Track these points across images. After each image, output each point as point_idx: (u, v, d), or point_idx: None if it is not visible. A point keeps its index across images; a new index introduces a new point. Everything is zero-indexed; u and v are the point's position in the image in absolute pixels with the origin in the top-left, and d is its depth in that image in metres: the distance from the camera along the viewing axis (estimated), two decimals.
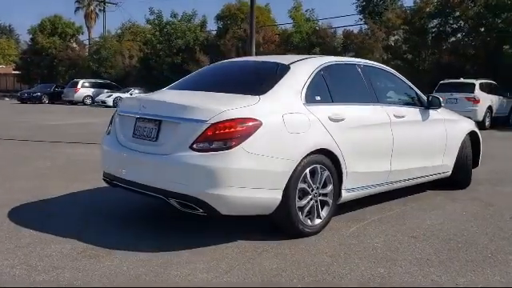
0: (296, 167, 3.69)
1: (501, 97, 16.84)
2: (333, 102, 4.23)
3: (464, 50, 19.51)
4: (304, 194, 3.83)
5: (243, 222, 4.03)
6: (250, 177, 3.49)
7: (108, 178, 4.19)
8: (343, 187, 4.17)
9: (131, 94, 30.25)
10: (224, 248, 3.62)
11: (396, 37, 23.54)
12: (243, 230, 3.99)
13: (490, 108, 15.97)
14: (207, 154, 3.42)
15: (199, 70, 5.18)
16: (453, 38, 20.83)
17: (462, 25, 20.84)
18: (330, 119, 4.05)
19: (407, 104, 5.19)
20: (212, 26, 38.77)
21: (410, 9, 23.28)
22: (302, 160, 3.73)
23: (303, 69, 4.20)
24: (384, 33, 23.45)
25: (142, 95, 4.48)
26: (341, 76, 4.56)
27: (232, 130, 3.43)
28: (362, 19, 25.97)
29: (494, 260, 3.46)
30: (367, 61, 5.16)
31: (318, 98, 4.12)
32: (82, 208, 4.77)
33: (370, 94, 4.68)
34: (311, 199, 3.89)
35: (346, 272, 3.20)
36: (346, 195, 4.23)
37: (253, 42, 9.07)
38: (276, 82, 3.98)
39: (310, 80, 4.12)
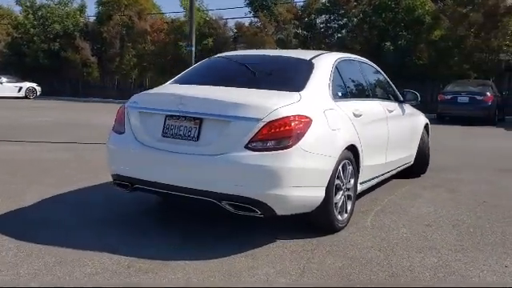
0: (336, 164, 3.73)
1: None
2: (350, 97, 4.34)
3: (351, 45, 20.97)
4: (337, 189, 3.88)
5: (258, 220, 3.95)
6: (305, 175, 3.45)
7: (125, 181, 3.80)
8: (359, 181, 4.31)
9: (1, 83, 27.26)
10: (273, 249, 3.55)
11: (286, 31, 24.43)
12: (267, 229, 3.94)
13: None
14: (266, 154, 3.30)
15: (204, 63, 4.84)
16: (339, 34, 22.29)
17: (347, 22, 22.37)
18: (354, 115, 4.15)
19: (390, 99, 5.50)
20: (92, 12, 36.35)
21: (299, 4, 24.38)
22: (339, 156, 3.78)
23: (325, 64, 4.23)
24: (274, 27, 24.20)
25: (170, 91, 3.98)
26: (349, 72, 4.67)
27: (288, 128, 3.35)
28: (251, 12, 26.52)
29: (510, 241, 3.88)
30: (360, 57, 5.33)
31: (339, 93, 4.19)
32: (80, 213, 4.26)
33: (368, 90, 4.88)
34: (342, 195, 3.96)
35: (409, 264, 3.34)
36: (359, 188, 4.38)
37: (192, 33, 8.77)
38: (307, 77, 3.95)
39: (332, 76, 4.17)
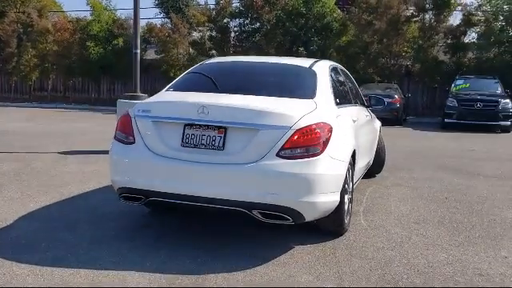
0: (347, 168, 3.86)
1: None
2: (345, 103, 4.50)
3: (267, 49, 21.45)
4: (345, 193, 4.02)
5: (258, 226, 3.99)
6: (330, 181, 3.55)
7: (138, 194, 3.60)
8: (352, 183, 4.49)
9: None
10: (296, 256, 3.62)
11: (200, 33, 24.27)
12: (276, 236, 3.98)
13: None
14: (298, 161, 3.34)
15: (202, 69, 4.65)
16: (254, 38, 22.63)
17: (261, 26, 22.81)
18: (353, 120, 4.32)
19: (362, 104, 5.77)
20: None
21: (213, 7, 24.29)
22: (349, 160, 3.92)
23: (324, 72, 4.36)
24: (187, 29, 23.92)
25: (188, 99, 3.77)
26: (338, 79, 4.84)
27: (317, 135, 3.42)
28: (161, 13, 25.96)
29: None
30: (336, 63, 5.51)
31: (338, 100, 4.34)
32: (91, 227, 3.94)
33: (352, 96, 5.10)
34: (347, 198, 4.10)
35: (426, 261, 3.59)
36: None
37: (137, 35, 8.40)
38: (314, 85, 4.04)
39: (330, 83, 4.29)
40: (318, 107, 3.70)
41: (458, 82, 17.71)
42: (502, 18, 20.73)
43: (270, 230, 4.05)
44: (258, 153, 3.35)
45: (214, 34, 23.92)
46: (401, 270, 3.37)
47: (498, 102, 15.57)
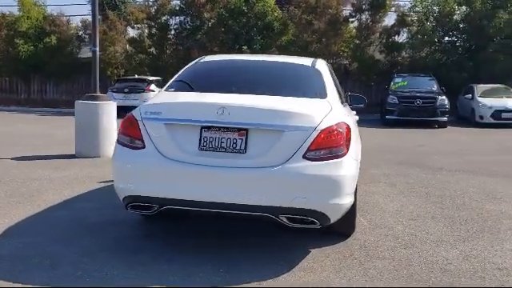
0: (358, 167, 3.82)
1: None
2: (343, 102, 4.46)
3: (210, 47, 21.16)
4: (356, 193, 3.98)
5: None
6: (351, 182, 3.49)
7: (151, 202, 3.34)
8: None
9: None
10: (319, 260, 3.54)
11: (139, 31, 23.50)
12: (292, 240, 3.90)
13: None
14: (326, 163, 3.25)
15: (204, 68, 4.37)
16: (196, 36, 22.24)
17: (202, 24, 22.45)
18: (354, 119, 4.29)
19: (347, 102, 5.76)
20: None
21: (151, 4, 23.59)
22: (359, 159, 3.88)
23: (326, 70, 4.30)
24: (124, 26, 23.11)
25: (205, 99, 3.53)
26: (334, 77, 4.77)
27: (340, 135, 3.35)
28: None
29: None
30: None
31: (340, 99, 4.28)
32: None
33: (343, 94, 5.06)
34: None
35: (443, 258, 3.63)
36: None
37: (96, 33, 7.89)
38: (322, 84, 3.97)
39: (333, 82, 4.24)
40: (333, 107, 3.63)
41: (397, 79, 18.41)
42: (432, 18, 21.81)
43: (282, 233, 3.94)
44: (283, 155, 3.22)
45: (153, 31, 23.24)
46: (425, 269, 3.38)
47: (435, 98, 16.36)
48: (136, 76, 20.01)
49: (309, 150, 3.24)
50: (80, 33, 24.25)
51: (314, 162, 3.23)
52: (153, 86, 18.37)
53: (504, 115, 16.28)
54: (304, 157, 3.23)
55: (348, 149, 3.38)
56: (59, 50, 22.73)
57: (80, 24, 23.79)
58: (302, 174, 3.19)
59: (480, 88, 17.66)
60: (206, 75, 4.27)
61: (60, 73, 22.86)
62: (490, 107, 16.44)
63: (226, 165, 3.26)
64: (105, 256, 3.48)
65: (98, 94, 7.98)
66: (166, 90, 4.01)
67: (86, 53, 24.10)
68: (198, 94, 3.75)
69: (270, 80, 4.09)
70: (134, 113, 3.54)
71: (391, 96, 16.81)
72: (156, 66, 22.43)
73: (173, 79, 4.18)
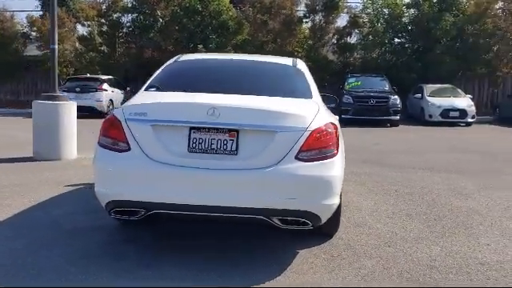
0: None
1: (120, 90, 18.83)
2: (323, 102, 4.46)
3: (165, 46, 20.80)
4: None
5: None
6: (340, 182, 3.49)
7: (137, 207, 3.21)
8: None
9: None
10: (309, 262, 3.54)
11: (89, 28, 22.74)
12: (276, 242, 3.87)
13: (111, 100, 17.90)
14: (317, 163, 3.23)
15: (183, 67, 4.23)
16: (149, 34, 21.78)
17: (155, 22, 22.03)
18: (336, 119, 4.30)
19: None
20: None
21: (103, 1, 22.86)
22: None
23: (307, 70, 4.31)
24: (74, 23, 22.34)
25: (193, 100, 3.41)
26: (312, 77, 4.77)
27: (330, 136, 3.34)
28: (42, 5, 23.77)
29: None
30: None
31: (322, 99, 4.28)
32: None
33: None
34: None
35: (427, 255, 3.72)
36: None
37: (55, 29, 7.50)
38: (307, 84, 3.97)
39: (314, 82, 4.23)
40: (320, 107, 3.63)
41: (350, 79, 18.82)
42: (382, 20, 22.44)
43: (269, 233, 3.90)
44: (275, 156, 3.18)
45: (104, 29, 22.58)
46: (413, 266, 3.44)
47: (388, 98, 16.85)
48: (88, 75, 19.40)
49: (301, 150, 3.21)
50: (25, 29, 23.21)
51: (306, 163, 3.21)
52: (105, 85, 17.90)
53: (452, 114, 17.05)
54: (296, 157, 3.20)
55: (338, 149, 3.39)
56: (3, 47, 21.67)
57: (26, 20, 22.68)
58: (295, 175, 3.16)
59: (429, 88, 18.38)
60: (186, 75, 4.17)
61: (4, 71, 21.81)
62: (439, 106, 17.15)
63: (217, 166, 3.18)
64: (86, 263, 3.31)
65: (58, 93, 7.63)
66: (146, 90, 3.87)
67: (31, 50, 23.14)
68: (185, 94, 3.64)
69: (254, 80, 4.05)
70: (116, 113, 3.39)
71: (346, 96, 17.13)
72: (107, 64, 21.83)
73: (151, 79, 4.04)
